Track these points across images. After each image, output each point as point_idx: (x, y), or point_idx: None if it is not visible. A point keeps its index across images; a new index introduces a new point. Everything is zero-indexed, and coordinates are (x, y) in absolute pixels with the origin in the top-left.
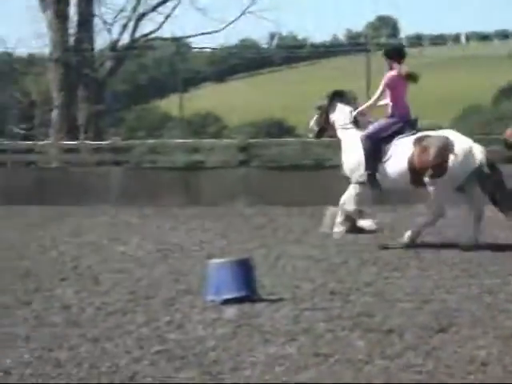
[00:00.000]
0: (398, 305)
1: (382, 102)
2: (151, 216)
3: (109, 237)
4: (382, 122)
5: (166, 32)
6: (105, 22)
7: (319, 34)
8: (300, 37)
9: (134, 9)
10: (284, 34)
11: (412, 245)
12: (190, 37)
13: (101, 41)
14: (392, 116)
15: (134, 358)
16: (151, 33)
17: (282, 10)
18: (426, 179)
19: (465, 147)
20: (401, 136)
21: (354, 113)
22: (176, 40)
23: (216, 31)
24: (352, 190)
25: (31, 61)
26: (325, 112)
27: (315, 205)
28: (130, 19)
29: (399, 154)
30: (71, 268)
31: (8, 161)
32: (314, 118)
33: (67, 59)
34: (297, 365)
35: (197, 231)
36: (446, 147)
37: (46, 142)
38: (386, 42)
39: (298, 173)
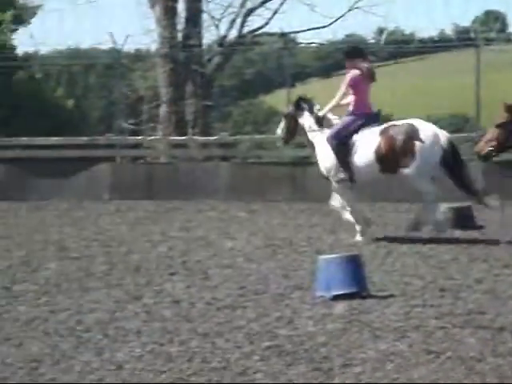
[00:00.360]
0: (509, 302)
1: (345, 101)
2: (259, 211)
3: (217, 232)
4: (344, 120)
5: (274, 27)
6: (213, 18)
7: (426, 29)
8: (407, 32)
9: (242, 4)
10: (391, 28)
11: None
12: (297, 32)
13: (209, 36)
14: (353, 113)
15: (245, 353)
16: (259, 28)
17: (390, 4)
18: (401, 170)
19: (429, 133)
20: (365, 128)
21: (319, 115)
22: (283, 35)
23: (323, 26)
24: (338, 191)
25: (139, 56)
26: (293, 118)
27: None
28: (237, 15)
29: (365, 146)
30: (181, 263)
31: (117, 156)
32: (281, 126)
33: (175, 55)
34: (408, 362)
35: (305, 227)
36: (412, 134)
37: (154, 137)
38: (494, 37)
39: None
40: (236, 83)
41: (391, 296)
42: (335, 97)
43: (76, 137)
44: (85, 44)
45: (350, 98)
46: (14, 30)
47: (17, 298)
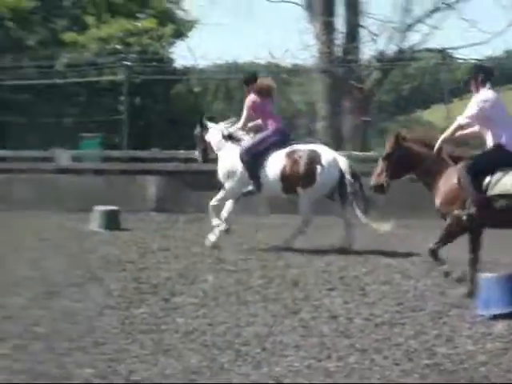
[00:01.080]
0: None
1: (251, 124)
2: (415, 227)
3: (374, 247)
4: (257, 136)
5: (432, 43)
6: (371, 33)
7: None
8: None
9: (401, 20)
10: None
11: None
12: (456, 48)
13: (367, 51)
14: (265, 131)
15: (404, 370)
16: (417, 44)
17: None
18: (299, 189)
19: (330, 159)
20: (276, 149)
21: (227, 132)
22: (441, 51)
23: (483, 42)
24: (222, 194)
25: (296, 71)
26: (201, 136)
27: None
28: (396, 30)
29: (273, 166)
30: (338, 278)
31: None
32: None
33: (334, 70)
34: None
35: (465, 244)
36: (314, 159)
37: None
38: None
39: None
40: (393, 98)
41: None
42: (240, 121)
43: None
44: (242, 58)
45: (258, 120)
46: (173, 44)
47: (175, 309)
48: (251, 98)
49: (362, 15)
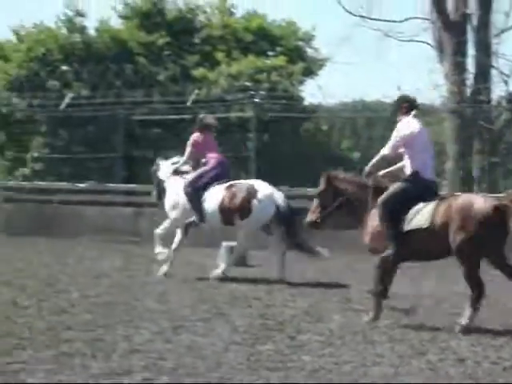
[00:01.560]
0: None
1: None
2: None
3: (501, 290)
4: (198, 171)
5: None
6: (502, 74)
7: None
8: None
9: None
10: None
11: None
12: None
13: (498, 92)
14: (206, 166)
15: None
16: None
17: None
18: (236, 221)
19: (266, 193)
20: (216, 183)
21: (174, 167)
22: None
23: None
24: (167, 224)
25: (424, 111)
26: (155, 173)
27: None
28: None
29: (212, 198)
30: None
31: None
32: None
33: (463, 110)
34: None
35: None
36: (251, 193)
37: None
38: None
39: None
40: None
41: None
42: (184, 157)
43: None
44: (369, 97)
45: (206, 156)
46: (303, 82)
47: (301, 347)
48: (193, 137)
49: (493, 56)
